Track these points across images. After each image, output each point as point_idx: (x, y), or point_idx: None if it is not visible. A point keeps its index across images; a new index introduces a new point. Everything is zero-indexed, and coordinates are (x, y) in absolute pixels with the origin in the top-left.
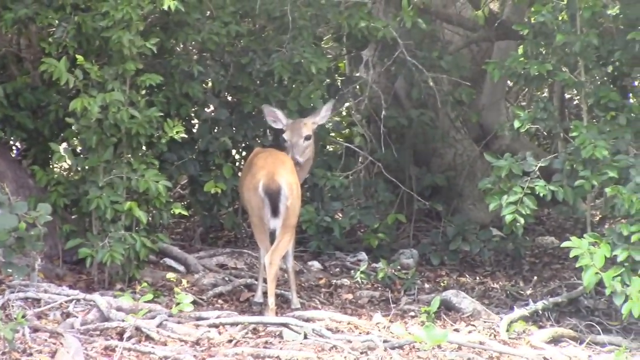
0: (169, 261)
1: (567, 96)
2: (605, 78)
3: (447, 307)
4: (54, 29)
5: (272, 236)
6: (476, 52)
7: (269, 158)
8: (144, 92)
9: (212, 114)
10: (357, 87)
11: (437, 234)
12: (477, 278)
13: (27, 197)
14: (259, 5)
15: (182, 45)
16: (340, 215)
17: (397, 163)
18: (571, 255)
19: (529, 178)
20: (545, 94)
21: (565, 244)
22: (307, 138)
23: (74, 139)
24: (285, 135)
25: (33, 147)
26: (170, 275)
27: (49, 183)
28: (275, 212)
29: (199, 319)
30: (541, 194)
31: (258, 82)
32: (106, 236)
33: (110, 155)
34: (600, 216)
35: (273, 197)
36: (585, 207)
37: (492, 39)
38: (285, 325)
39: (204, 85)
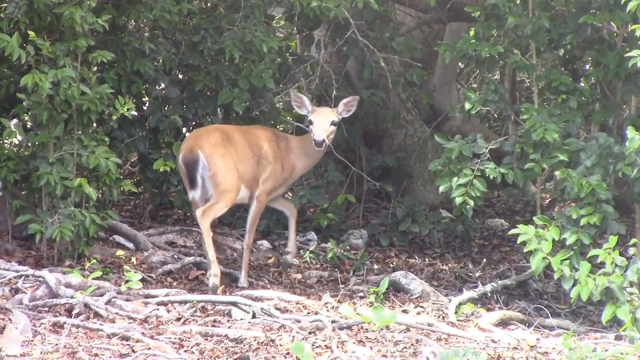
0: (119, 238)
1: (518, 79)
2: (556, 61)
3: (396, 288)
4: (5, 4)
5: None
6: (428, 34)
7: (199, 131)
8: (95, 68)
9: (163, 91)
10: (309, 66)
11: (386, 215)
12: (426, 259)
13: None
14: None
15: (134, 23)
16: (290, 194)
17: (347, 143)
18: (519, 241)
19: (479, 160)
20: (496, 77)
21: (512, 232)
22: (334, 124)
23: (25, 114)
24: (312, 117)
25: None
26: (120, 252)
27: None
28: (192, 183)
29: (147, 296)
30: (491, 177)
31: (209, 60)
32: (56, 212)
33: (61, 131)
34: (550, 199)
35: (189, 167)
36: (535, 190)
37: (444, 21)
38: (233, 304)
39: (155, 63)
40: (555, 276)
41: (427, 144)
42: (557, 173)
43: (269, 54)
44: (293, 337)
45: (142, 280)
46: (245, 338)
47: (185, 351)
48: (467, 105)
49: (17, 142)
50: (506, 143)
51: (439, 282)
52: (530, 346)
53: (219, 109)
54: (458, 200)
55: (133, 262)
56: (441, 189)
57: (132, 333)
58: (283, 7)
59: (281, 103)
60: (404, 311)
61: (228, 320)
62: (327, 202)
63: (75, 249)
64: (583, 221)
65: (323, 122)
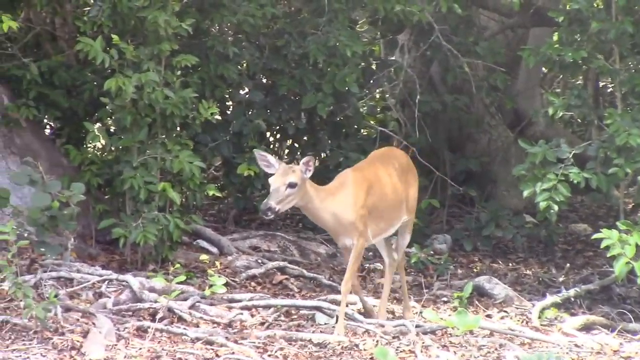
0: (202, 243)
1: (601, 84)
2: (639, 66)
3: (480, 293)
4: (89, 7)
5: None
6: (511, 38)
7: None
8: (179, 72)
9: (247, 96)
10: (392, 71)
11: (470, 220)
12: (510, 264)
13: (61, 176)
14: None
15: (217, 27)
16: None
17: (431, 148)
18: (602, 245)
19: (562, 165)
20: (579, 81)
21: (596, 236)
22: (291, 186)
23: (108, 118)
24: (270, 179)
25: (67, 126)
26: (203, 257)
27: (83, 162)
28: None
29: (231, 301)
30: (575, 181)
31: (293, 64)
32: (139, 217)
33: (145, 135)
34: (633, 204)
35: None
36: (619, 194)
37: (527, 25)
38: (318, 308)
39: (238, 67)
40: (639, 281)
41: (511, 148)
42: None
43: (352, 58)
44: (377, 341)
45: (226, 284)
46: (329, 343)
47: (269, 355)
48: (551, 110)
49: (100, 146)
50: (589, 148)
51: (522, 287)
52: (614, 351)
53: (302, 113)
54: (542, 205)
55: (217, 267)
56: (525, 193)
57: (216, 337)
58: (367, 11)
59: (365, 107)
60: (488, 316)
61: (312, 325)
62: None
63: (159, 253)
64: None
65: (278, 185)
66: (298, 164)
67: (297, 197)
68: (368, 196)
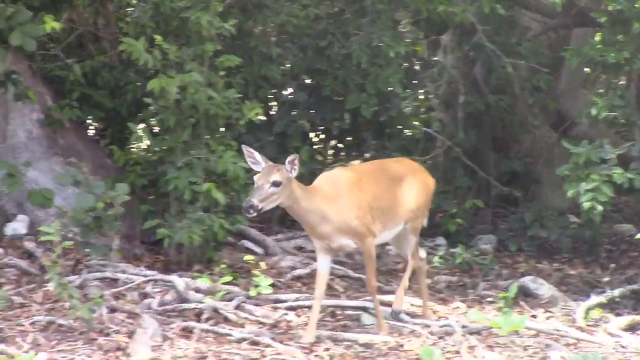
0: (247, 243)
1: None
2: None
3: (525, 293)
4: (132, 8)
5: None
6: (554, 39)
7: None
8: (222, 73)
9: (291, 96)
10: (435, 71)
11: (514, 220)
12: (555, 265)
13: (105, 177)
14: None
15: (260, 27)
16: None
17: (475, 148)
18: None
19: (606, 165)
20: (622, 82)
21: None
22: (276, 184)
23: (152, 119)
24: (254, 177)
25: (110, 127)
26: (249, 257)
27: (127, 163)
28: None
29: (277, 301)
30: (619, 182)
31: (336, 65)
32: (184, 217)
33: (188, 136)
34: None
35: None
36: None
37: (570, 26)
38: (363, 309)
39: (282, 67)
40: None
41: (554, 149)
42: None
43: (395, 58)
44: (423, 342)
45: (272, 285)
46: (375, 343)
47: (315, 356)
48: (594, 111)
49: (144, 147)
50: (633, 148)
51: (567, 287)
52: None
53: (346, 114)
54: (586, 205)
55: (262, 267)
56: (569, 194)
57: (261, 338)
58: (409, 11)
59: (408, 108)
60: (533, 316)
61: (358, 326)
62: (455, 207)
63: (204, 254)
64: None
65: (262, 182)
66: (346, 164)
67: (281, 197)
68: (362, 194)
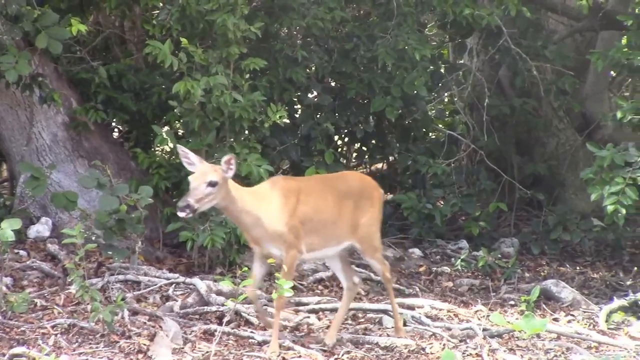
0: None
1: None
2: None
3: (547, 297)
4: (157, 11)
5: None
6: (580, 42)
7: None
8: (247, 76)
9: (315, 99)
10: (461, 74)
11: (538, 223)
12: (577, 268)
13: (129, 179)
14: None
15: (286, 30)
16: (442, 202)
17: (499, 151)
18: None
19: (631, 169)
20: None
21: None
22: (212, 184)
23: (176, 122)
24: (190, 177)
25: (135, 130)
26: (270, 260)
27: (151, 166)
28: None
29: (299, 304)
30: None
31: (362, 68)
32: (207, 220)
33: (213, 138)
34: None
35: None
36: None
37: (596, 29)
38: (384, 312)
39: (307, 70)
40: None
41: (579, 152)
42: None
43: (421, 61)
44: (444, 345)
45: (293, 288)
46: (396, 346)
47: (336, 359)
48: (619, 114)
49: (168, 150)
50: None
51: (589, 291)
52: None
53: (371, 117)
54: (610, 208)
55: (284, 270)
56: (593, 197)
57: (283, 341)
58: (435, 14)
59: (433, 111)
60: (555, 319)
61: (379, 328)
62: (478, 210)
63: (227, 257)
64: None
65: (198, 183)
66: (367, 167)
67: (217, 197)
68: (299, 205)
